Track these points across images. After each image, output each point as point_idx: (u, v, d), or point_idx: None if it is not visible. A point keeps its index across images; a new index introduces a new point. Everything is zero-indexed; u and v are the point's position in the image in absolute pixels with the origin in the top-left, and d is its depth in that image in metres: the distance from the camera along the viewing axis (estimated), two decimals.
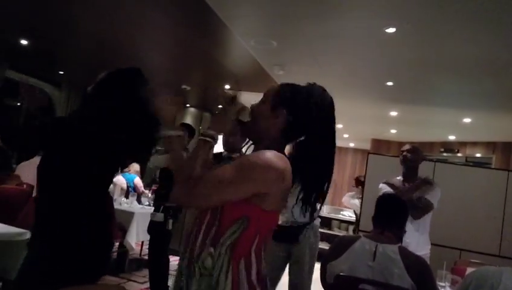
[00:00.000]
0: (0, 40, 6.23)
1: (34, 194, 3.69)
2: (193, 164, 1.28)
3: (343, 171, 10.78)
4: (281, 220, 3.13)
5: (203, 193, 1.23)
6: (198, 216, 1.33)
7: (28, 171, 4.84)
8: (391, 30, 3.85)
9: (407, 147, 3.37)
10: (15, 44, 6.09)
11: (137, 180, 6.41)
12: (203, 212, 1.31)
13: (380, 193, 3.39)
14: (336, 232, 8.03)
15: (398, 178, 3.40)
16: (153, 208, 4.07)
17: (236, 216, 1.23)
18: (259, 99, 1.43)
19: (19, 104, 8.86)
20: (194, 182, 1.24)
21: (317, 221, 3.41)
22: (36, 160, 5.23)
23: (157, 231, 3.88)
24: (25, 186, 4.43)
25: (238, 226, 1.23)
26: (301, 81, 1.44)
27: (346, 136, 9.87)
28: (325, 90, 1.42)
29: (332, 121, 1.40)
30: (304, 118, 1.34)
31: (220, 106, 1.37)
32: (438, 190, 3.22)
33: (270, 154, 1.24)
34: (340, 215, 8.64)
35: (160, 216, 3.80)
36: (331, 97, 1.43)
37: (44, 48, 6.38)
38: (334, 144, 1.39)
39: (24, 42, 6.00)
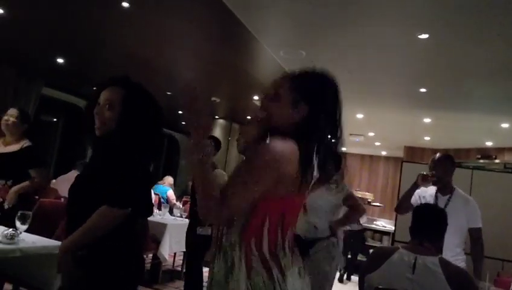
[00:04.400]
0: (37, 59, 6.47)
1: None
2: (212, 179, 1.27)
3: (375, 180, 10.57)
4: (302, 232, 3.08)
5: (234, 204, 1.26)
6: None
7: (65, 185, 4.96)
8: (424, 36, 3.78)
9: (433, 159, 3.20)
10: (51, 62, 6.31)
11: (170, 193, 6.55)
12: None
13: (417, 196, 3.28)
14: (369, 243, 7.88)
15: (431, 187, 3.25)
16: (185, 219, 4.12)
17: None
18: (268, 93, 1.42)
19: (55, 120, 9.16)
20: (221, 197, 1.24)
21: (333, 239, 3.30)
22: (73, 174, 5.40)
23: (204, 244, 3.91)
24: (62, 199, 4.55)
25: (244, 215, 1.32)
26: None
27: (377, 144, 9.70)
28: (333, 77, 1.44)
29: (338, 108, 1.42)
30: (323, 111, 1.36)
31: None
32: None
33: (276, 143, 1.28)
34: (373, 226, 8.48)
35: (207, 229, 3.86)
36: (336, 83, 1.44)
37: (79, 65, 6.59)
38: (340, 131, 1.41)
39: (60, 60, 6.21)
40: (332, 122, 1.39)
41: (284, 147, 1.27)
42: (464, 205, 3.05)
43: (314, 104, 1.34)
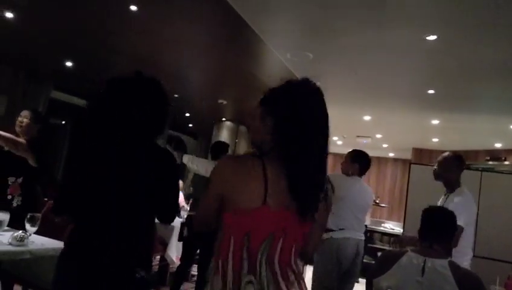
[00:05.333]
0: (46, 62, 6.52)
1: None
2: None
3: (383, 182, 10.50)
4: None
5: (200, 208, 1.47)
6: None
7: None
8: (432, 38, 3.76)
9: (442, 155, 3.25)
10: (60, 65, 6.36)
11: (180, 196, 6.57)
12: None
13: None
14: (378, 245, 7.84)
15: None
16: None
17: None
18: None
19: (63, 122, 9.23)
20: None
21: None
22: None
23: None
24: None
25: (219, 232, 1.36)
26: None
27: (385, 145, 9.65)
28: (307, 80, 1.45)
29: (315, 107, 1.39)
30: (285, 116, 1.35)
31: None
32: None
33: (220, 160, 1.47)
34: (381, 228, 8.43)
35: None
36: (314, 84, 1.44)
37: (87, 68, 6.62)
38: (324, 132, 1.38)
39: (68, 64, 6.25)
40: (303, 127, 1.34)
41: (223, 164, 1.41)
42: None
43: (277, 114, 1.36)
